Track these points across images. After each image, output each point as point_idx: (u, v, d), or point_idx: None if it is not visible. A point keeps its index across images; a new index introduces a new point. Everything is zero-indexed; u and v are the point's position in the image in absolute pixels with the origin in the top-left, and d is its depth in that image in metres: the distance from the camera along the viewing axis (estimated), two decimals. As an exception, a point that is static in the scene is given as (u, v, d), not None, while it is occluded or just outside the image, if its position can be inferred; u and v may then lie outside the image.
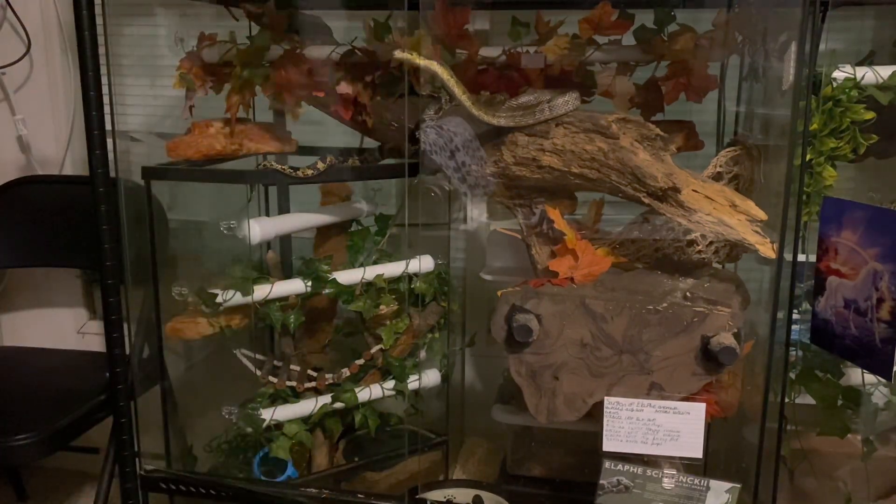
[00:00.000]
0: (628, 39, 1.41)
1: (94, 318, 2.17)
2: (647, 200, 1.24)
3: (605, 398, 1.24)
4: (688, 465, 1.28)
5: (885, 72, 1.25)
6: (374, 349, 1.58)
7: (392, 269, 1.56)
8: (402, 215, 1.65)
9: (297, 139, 1.65)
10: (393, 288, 1.56)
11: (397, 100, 1.51)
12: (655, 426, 1.23)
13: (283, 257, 1.77)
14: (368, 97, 1.51)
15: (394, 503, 1.49)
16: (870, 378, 1.36)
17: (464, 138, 1.30)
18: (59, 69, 2.00)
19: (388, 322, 1.57)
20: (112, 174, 1.44)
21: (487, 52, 1.45)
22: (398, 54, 1.25)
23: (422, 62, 1.25)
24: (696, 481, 1.26)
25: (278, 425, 1.54)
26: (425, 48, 1.36)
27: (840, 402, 1.38)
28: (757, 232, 1.23)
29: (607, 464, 1.27)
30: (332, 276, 1.51)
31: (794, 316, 1.30)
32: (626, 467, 1.27)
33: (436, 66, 1.26)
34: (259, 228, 1.48)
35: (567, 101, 1.27)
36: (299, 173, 1.43)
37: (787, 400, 1.33)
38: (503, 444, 1.71)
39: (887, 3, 1.56)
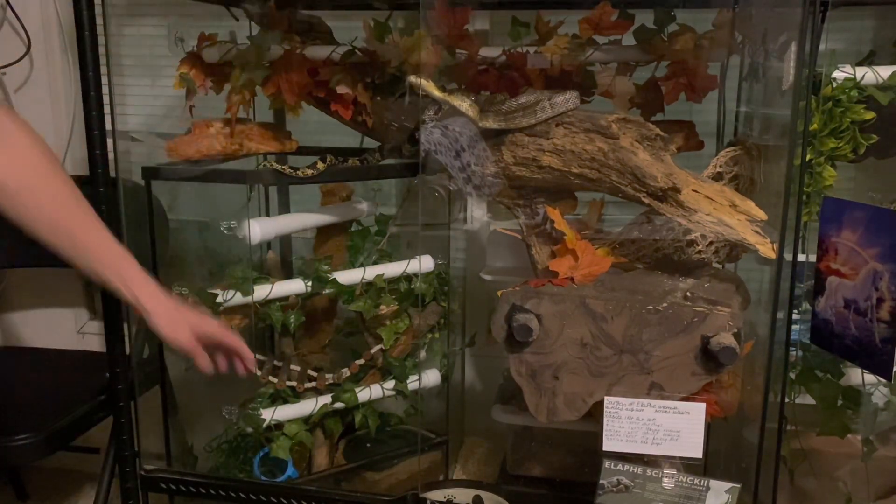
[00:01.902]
0: (628, 39, 1.41)
1: (94, 318, 2.16)
2: (647, 200, 1.24)
3: (605, 398, 1.24)
4: (688, 465, 1.28)
5: (885, 72, 1.25)
6: (374, 349, 1.58)
7: (392, 269, 1.56)
8: (406, 215, 1.65)
9: (297, 139, 1.65)
10: (393, 288, 1.56)
11: (397, 100, 1.51)
12: (655, 426, 1.23)
13: (283, 257, 1.77)
14: (368, 97, 1.51)
15: (394, 503, 1.49)
16: (870, 378, 1.36)
17: (469, 138, 1.31)
18: (59, 69, 2.00)
19: (388, 322, 1.57)
20: (112, 174, 1.44)
21: (487, 52, 1.45)
22: (413, 79, 1.29)
23: (440, 95, 1.30)
24: (696, 481, 1.26)
25: (278, 425, 1.54)
26: (425, 48, 1.37)
27: (840, 402, 1.37)
28: (757, 232, 1.23)
29: (607, 464, 1.27)
30: (332, 276, 1.51)
31: (794, 316, 1.30)
32: (626, 467, 1.27)
33: (455, 100, 1.31)
34: (259, 228, 1.48)
35: (567, 99, 1.27)
36: (299, 173, 1.43)
37: (787, 400, 1.33)
38: (503, 444, 1.71)
39: (887, 3, 1.56)
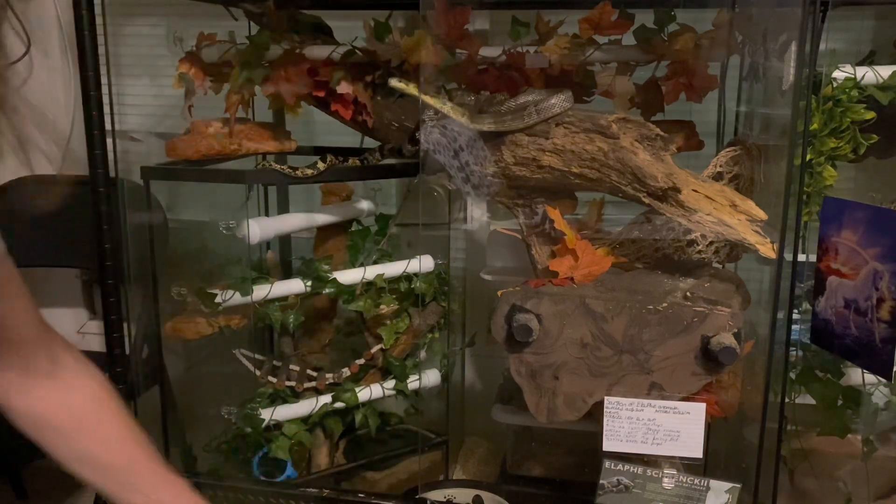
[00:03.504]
0: (628, 39, 1.41)
1: (95, 318, 2.16)
2: (647, 200, 1.24)
3: (605, 398, 1.24)
4: (688, 465, 1.28)
5: (885, 72, 1.25)
6: (374, 349, 1.58)
7: (392, 268, 1.56)
8: (406, 215, 1.65)
9: (297, 139, 1.65)
10: (393, 288, 1.56)
11: (397, 100, 1.51)
12: (655, 426, 1.23)
13: (283, 257, 1.77)
14: (368, 97, 1.51)
15: (394, 503, 1.49)
16: (870, 378, 1.36)
17: (467, 138, 1.30)
18: (59, 69, 2.00)
19: (388, 322, 1.57)
20: (112, 174, 1.44)
21: (487, 51, 1.45)
22: (393, 83, 1.28)
23: (416, 93, 1.28)
24: (696, 481, 1.26)
25: (278, 425, 1.54)
26: (425, 48, 1.37)
27: (840, 402, 1.38)
28: (757, 232, 1.23)
29: (607, 464, 1.27)
30: (332, 276, 1.51)
31: (794, 316, 1.30)
32: (626, 467, 1.27)
33: (438, 103, 1.29)
34: (258, 228, 1.48)
35: (554, 104, 1.25)
36: (299, 173, 1.43)
37: (787, 400, 1.33)
38: (503, 444, 1.71)
39: (887, 3, 1.56)
